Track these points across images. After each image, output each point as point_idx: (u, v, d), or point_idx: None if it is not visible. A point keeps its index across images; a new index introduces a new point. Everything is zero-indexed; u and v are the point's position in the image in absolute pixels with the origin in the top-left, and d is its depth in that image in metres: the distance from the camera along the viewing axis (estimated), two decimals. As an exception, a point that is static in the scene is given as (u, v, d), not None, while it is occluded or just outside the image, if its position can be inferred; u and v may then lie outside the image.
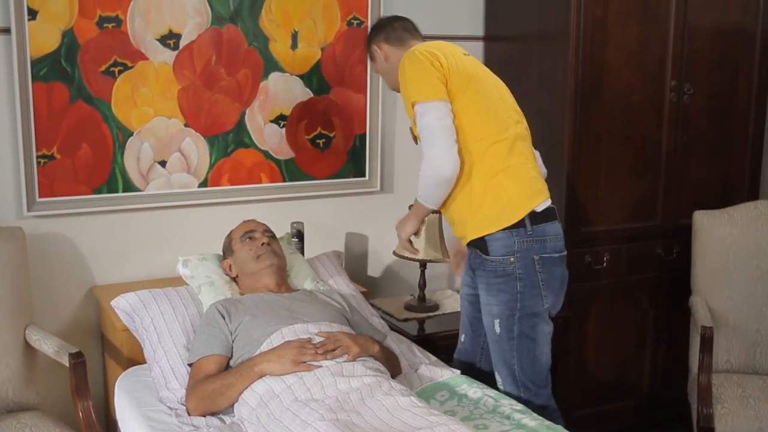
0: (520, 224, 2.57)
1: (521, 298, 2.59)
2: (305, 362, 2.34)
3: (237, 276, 2.83)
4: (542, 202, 2.62)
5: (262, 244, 2.76)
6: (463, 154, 2.57)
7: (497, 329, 2.63)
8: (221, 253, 2.93)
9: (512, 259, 2.57)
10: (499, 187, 2.58)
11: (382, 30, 2.84)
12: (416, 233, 2.92)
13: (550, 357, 2.72)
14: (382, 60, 2.83)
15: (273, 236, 2.85)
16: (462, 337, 2.93)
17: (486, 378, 2.75)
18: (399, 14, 3.50)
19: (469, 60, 2.68)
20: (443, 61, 2.58)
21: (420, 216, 2.83)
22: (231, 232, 2.89)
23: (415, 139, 2.71)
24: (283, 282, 2.81)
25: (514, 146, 2.64)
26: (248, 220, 2.90)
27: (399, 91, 2.75)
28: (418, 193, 2.68)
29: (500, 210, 2.57)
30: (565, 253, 2.68)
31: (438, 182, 2.57)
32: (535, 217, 2.59)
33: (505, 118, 2.66)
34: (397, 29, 2.82)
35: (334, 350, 2.40)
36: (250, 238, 2.79)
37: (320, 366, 2.34)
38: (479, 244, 2.62)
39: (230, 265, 2.84)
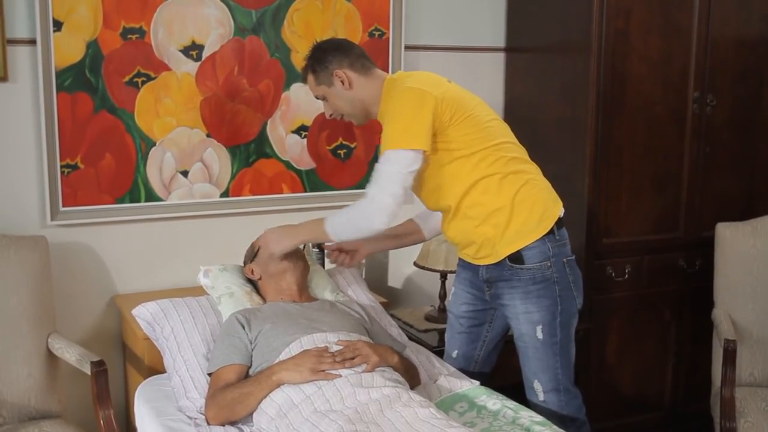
0: (550, 230, 2.61)
1: (561, 301, 2.63)
2: (323, 371, 2.34)
3: (260, 279, 2.83)
4: (561, 207, 2.67)
5: None
6: (483, 179, 2.57)
7: (540, 335, 2.64)
8: (242, 264, 2.93)
9: (548, 263, 2.60)
10: (528, 200, 2.59)
11: (345, 55, 2.65)
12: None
13: None
14: (341, 87, 2.65)
15: None
16: (454, 353, 2.92)
17: (483, 378, 2.80)
18: (420, 26, 3.54)
19: (454, 86, 2.65)
20: (438, 98, 2.52)
21: (312, 239, 2.74)
22: (254, 241, 2.89)
23: None
24: (304, 288, 2.81)
25: (523, 158, 2.67)
26: None
27: (357, 121, 2.76)
28: (332, 224, 2.58)
29: (537, 220, 2.59)
30: None
31: (368, 227, 2.55)
32: (557, 222, 2.63)
33: (507, 135, 2.67)
34: (359, 56, 2.68)
35: (352, 359, 2.40)
36: None
37: (339, 375, 2.34)
38: (513, 257, 2.61)
39: (252, 270, 2.83)
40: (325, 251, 2.97)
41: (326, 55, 2.66)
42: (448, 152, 2.57)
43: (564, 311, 2.64)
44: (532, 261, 2.59)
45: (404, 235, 2.99)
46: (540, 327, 2.63)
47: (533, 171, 2.67)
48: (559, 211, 2.65)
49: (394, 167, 2.49)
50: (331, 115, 2.76)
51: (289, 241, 2.69)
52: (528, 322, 2.65)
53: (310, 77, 2.70)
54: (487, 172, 2.57)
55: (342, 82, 2.65)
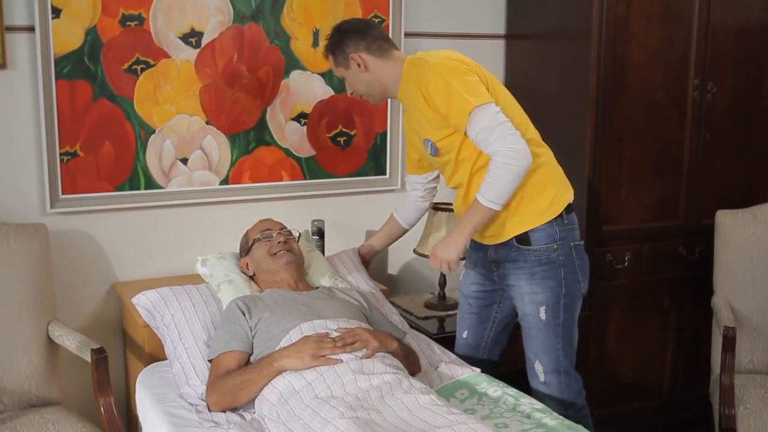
0: (558, 214, 2.65)
1: (566, 284, 2.66)
2: (324, 356, 2.35)
3: (254, 274, 2.85)
4: (572, 193, 2.72)
5: (279, 242, 2.78)
6: None
7: (543, 316, 2.68)
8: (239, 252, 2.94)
9: (555, 246, 2.64)
10: (540, 183, 2.63)
11: (361, 38, 2.70)
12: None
13: None
14: (358, 69, 2.71)
15: (289, 234, 2.86)
16: (464, 334, 2.97)
17: (489, 366, 2.86)
18: (420, 12, 3.53)
19: (475, 63, 2.70)
20: (473, 66, 2.62)
21: (479, 226, 2.63)
22: (248, 231, 2.90)
23: (437, 150, 2.68)
24: (300, 279, 2.82)
25: (538, 141, 2.70)
26: (264, 220, 2.92)
27: (374, 100, 2.83)
28: (485, 197, 2.53)
29: (547, 204, 2.64)
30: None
31: (519, 173, 2.50)
32: (567, 208, 2.68)
33: (523, 116, 2.71)
34: (376, 38, 2.72)
35: (352, 344, 2.40)
36: (267, 237, 2.80)
37: (340, 360, 2.34)
38: (520, 237, 2.65)
39: (247, 264, 2.85)
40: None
41: (344, 38, 2.72)
42: None
43: (568, 294, 2.67)
44: (539, 243, 2.63)
45: (389, 230, 3.18)
46: (543, 308, 2.67)
47: (547, 155, 2.70)
48: (570, 197, 2.70)
49: (486, 120, 2.50)
50: (351, 94, 2.85)
51: (460, 243, 2.61)
52: (532, 302, 2.68)
53: (330, 59, 2.79)
54: None
55: (358, 65, 2.71)
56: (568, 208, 2.68)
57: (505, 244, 2.68)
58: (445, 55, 2.64)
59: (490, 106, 2.52)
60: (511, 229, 2.64)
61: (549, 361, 2.72)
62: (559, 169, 2.73)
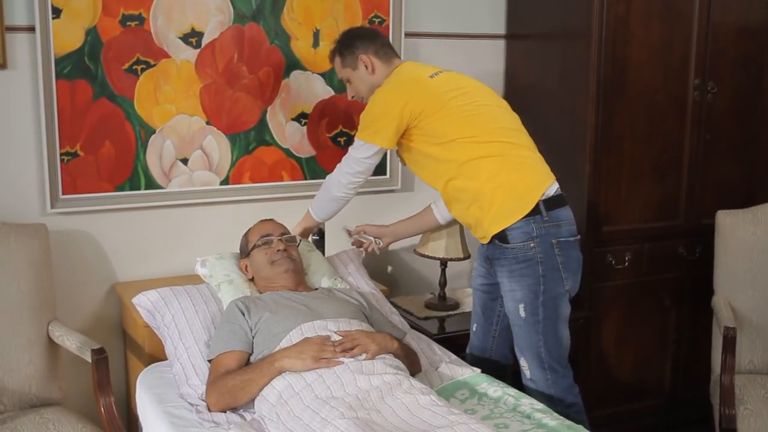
0: (536, 211, 2.66)
1: (544, 281, 2.67)
2: (326, 359, 2.34)
3: (252, 279, 2.85)
4: (550, 185, 2.71)
5: (278, 250, 2.77)
6: (464, 164, 2.69)
7: (522, 313, 2.70)
8: (239, 251, 2.94)
9: (532, 244, 2.65)
10: (508, 182, 2.67)
11: (371, 42, 2.89)
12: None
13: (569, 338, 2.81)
14: (365, 71, 2.88)
15: (290, 239, 2.85)
16: (474, 327, 3.03)
17: (497, 367, 2.90)
18: (420, 13, 3.53)
19: (439, 78, 2.79)
20: (412, 96, 2.72)
21: (310, 224, 3.07)
22: (248, 232, 2.89)
23: (402, 160, 2.95)
24: (300, 283, 2.81)
25: (511, 140, 2.73)
26: (265, 221, 2.90)
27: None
28: (312, 204, 3.01)
29: (515, 202, 2.66)
30: (579, 236, 2.77)
31: (327, 197, 2.94)
32: (547, 203, 2.68)
33: (499, 119, 2.77)
34: (383, 44, 2.91)
35: (352, 349, 2.40)
36: (267, 243, 2.80)
37: (341, 363, 2.34)
38: (499, 236, 2.69)
39: (246, 266, 2.85)
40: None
41: (354, 40, 2.90)
42: (426, 142, 2.75)
43: (548, 291, 2.68)
44: (516, 240, 2.66)
45: (421, 219, 3.21)
46: (522, 305, 2.70)
47: (516, 154, 2.72)
48: (544, 190, 2.68)
49: (355, 153, 2.83)
50: (353, 97, 3.01)
51: (298, 231, 3.02)
52: (512, 299, 2.72)
53: (337, 59, 2.94)
54: (466, 158, 2.69)
55: (366, 66, 2.87)
56: (550, 205, 2.68)
57: (491, 243, 2.73)
58: (402, 78, 2.80)
59: (367, 146, 2.78)
60: (489, 229, 2.70)
61: (532, 358, 2.74)
62: (531, 165, 2.73)
